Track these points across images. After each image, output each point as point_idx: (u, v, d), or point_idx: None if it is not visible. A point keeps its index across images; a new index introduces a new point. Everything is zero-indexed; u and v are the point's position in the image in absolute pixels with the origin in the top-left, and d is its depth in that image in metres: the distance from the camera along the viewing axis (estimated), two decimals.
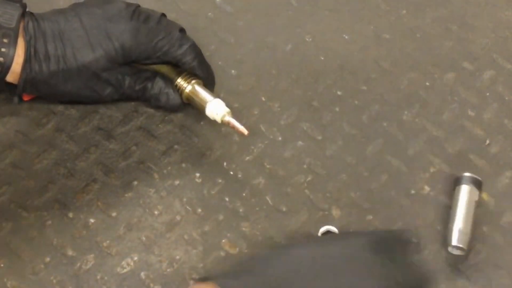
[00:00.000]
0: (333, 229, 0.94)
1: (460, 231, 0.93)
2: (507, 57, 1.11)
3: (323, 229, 0.94)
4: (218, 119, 0.96)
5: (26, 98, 1.00)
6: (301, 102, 1.05)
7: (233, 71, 1.06)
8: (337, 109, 1.05)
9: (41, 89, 0.95)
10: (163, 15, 0.99)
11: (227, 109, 0.96)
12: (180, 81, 0.99)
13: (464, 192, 0.95)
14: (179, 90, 0.99)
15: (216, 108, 0.96)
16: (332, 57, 1.09)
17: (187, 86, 0.99)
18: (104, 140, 0.99)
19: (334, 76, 1.07)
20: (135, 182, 0.97)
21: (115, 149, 0.99)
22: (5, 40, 0.91)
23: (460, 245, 0.92)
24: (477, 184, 0.96)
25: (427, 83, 1.08)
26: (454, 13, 1.15)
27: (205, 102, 0.97)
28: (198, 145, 1.00)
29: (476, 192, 0.96)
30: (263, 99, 1.05)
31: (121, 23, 0.95)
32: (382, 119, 1.04)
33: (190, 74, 0.99)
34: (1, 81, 0.93)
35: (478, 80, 1.09)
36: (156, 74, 0.99)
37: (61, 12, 0.96)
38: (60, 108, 1.01)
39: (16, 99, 0.99)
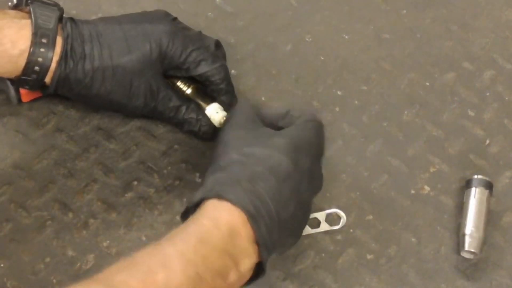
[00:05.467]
0: (341, 213, 0.94)
1: (473, 236, 0.93)
2: (507, 57, 1.11)
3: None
4: (216, 123, 0.96)
5: (26, 99, 1.00)
6: (301, 102, 1.05)
7: (233, 71, 1.06)
8: (337, 109, 1.05)
9: (74, 89, 0.94)
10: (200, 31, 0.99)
11: (225, 113, 0.96)
12: (180, 84, 0.99)
13: (477, 195, 0.95)
14: (179, 92, 0.99)
15: (214, 113, 0.96)
16: (332, 57, 1.09)
17: (187, 89, 0.99)
18: (104, 140, 0.99)
19: (334, 76, 1.07)
20: (135, 182, 0.97)
21: (115, 149, 0.99)
22: (43, 40, 0.91)
23: (472, 250, 0.92)
24: (488, 186, 0.96)
25: (427, 83, 1.08)
26: (454, 13, 1.15)
27: (204, 106, 0.97)
28: (198, 145, 1.00)
29: (487, 194, 0.96)
30: (263, 99, 1.05)
31: (160, 25, 0.95)
32: (382, 119, 1.04)
33: (188, 78, 0.99)
34: (40, 81, 0.93)
35: (478, 80, 1.09)
36: (190, 99, 0.98)
37: (101, 18, 0.98)
38: (60, 108, 1.01)
39: (15, 99, 0.99)
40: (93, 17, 1.02)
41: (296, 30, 1.11)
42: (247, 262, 0.78)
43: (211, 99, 0.98)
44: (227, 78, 0.97)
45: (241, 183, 0.80)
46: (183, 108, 0.97)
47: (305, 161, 0.85)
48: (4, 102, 1.01)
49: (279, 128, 0.90)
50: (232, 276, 0.76)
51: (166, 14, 0.98)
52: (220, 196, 0.79)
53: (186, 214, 0.81)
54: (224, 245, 0.76)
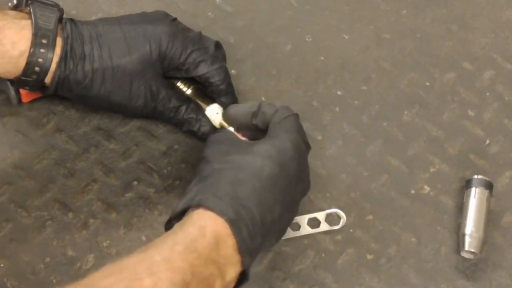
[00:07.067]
0: (341, 213, 0.94)
1: (473, 236, 0.93)
2: (507, 57, 1.11)
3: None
4: (216, 124, 0.96)
5: (26, 99, 1.00)
6: (301, 102, 1.05)
7: (233, 71, 1.06)
8: (337, 109, 1.05)
9: (74, 90, 0.94)
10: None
11: None
12: (180, 85, 0.99)
13: (477, 195, 0.95)
14: (179, 92, 0.99)
15: (214, 113, 0.96)
16: (332, 57, 1.09)
17: (187, 90, 0.99)
18: (104, 140, 0.99)
19: (334, 76, 1.07)
20: (135, 182, 0.97)
21: (115, 149, 0.99)
22: (44, 41, 0.91)
23: (472, 250, 0.92)
24: (488, 186, 0.96)
25: (427, 83, 1.08)
26: (454, 13, 1.15)
27: (204, 107, 0.97)
28: (198, 145, 1.00)
29: (487, 194, 0.96)
30: (263, 99, 1.05)
31: (160, 25, 0.95)
32: (382, 119, 1.04)
33: (188, 79, 0.99)
34: (40, 82, 0.93)
35: (478, 80, 1.09)
36: (190, 99, 0.98)
37: (101, 19, 0.98)
38: (60, 108, 1.01)
39: (15, 100, 0.99)
40: (93, 18, 1.02)
41: (296, 30, 1.11)
42: (232, 271, 0.78)
43: (211, 100, 0.98)
44: (227, 79, 0.97)
45: (223, 190, 0.80)
46: (183, 108, 0.97)
47: (291, 164, 0.84)
48: (4, 102, 1.01)
49: (253, 126, 0.90)
50: (218, 286, 0.76)
51: (166, 15, 0.98)
52: (201, 205, 0.79)
53: (170, 223, 0.81)
54: (210, 253, 0.76)
